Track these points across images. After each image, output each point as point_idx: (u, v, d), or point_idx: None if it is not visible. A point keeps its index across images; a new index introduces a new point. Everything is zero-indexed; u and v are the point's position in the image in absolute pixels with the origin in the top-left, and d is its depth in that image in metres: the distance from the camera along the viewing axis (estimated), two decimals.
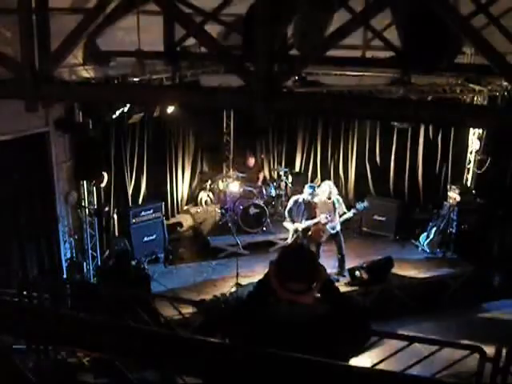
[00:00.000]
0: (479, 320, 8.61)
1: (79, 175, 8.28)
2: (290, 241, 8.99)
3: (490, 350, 4.21)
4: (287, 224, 9.05)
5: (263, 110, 2.92)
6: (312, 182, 11.69)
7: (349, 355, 2.68)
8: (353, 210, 9.01)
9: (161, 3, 3.30)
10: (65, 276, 8.19)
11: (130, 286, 7.58)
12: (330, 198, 8.86)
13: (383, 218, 10.71)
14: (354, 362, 2.71)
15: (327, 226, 8.83)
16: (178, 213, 11.33)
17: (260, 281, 2.79)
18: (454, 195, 10.21)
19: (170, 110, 9.02)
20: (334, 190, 8.98)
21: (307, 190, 8.86)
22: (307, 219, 8.82)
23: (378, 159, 11.57)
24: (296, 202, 8.93)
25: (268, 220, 10.35)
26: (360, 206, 9.00)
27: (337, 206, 8.91)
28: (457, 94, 9.68)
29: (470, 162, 10.22)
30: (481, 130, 9.82)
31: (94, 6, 3.22)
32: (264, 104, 2.89)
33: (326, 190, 8.84)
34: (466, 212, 9.99)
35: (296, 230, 8.88)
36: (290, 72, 3.35)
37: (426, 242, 10.21)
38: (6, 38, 5.23)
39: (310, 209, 8.82)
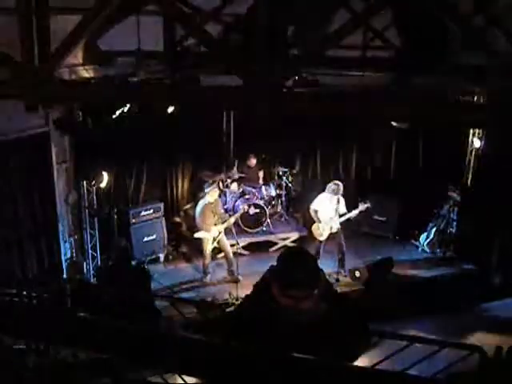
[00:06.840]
0: (479, 320, 8.59)
1: (79, 175, 8.28)
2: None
3: (490, 350, 4.20)
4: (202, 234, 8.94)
5: (263, 110, 2.92)
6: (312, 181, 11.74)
7: (350, 359, 2.64)
8: (355, 211, 9.02)
9: (161, 3, 3.31)
10: (65, 276, 8.19)
11: (130, 286, 7.57)
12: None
13: (383, 218, 10.71)
14: (354, 361, 2.70)
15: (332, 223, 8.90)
16: (178, 213, 11.31)
17: (256, 285, 2.70)
18: (454, 195, 10.19)
19: (170, 109, 9.01)
20: (340, 191, 9.07)
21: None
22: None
23: (377, 159, 11.54)
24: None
25: (268, 220, 10.34)
26: (362, 206, 9.02)
27: (337, 206, 8.93)
28: (457, 95, 9.65)
29: (470, 161, 10.20)
30: (481, 130, 9.79)
31: (93, 6, 3.23)
32: (264, 104, 2.89)
33: (332, 189, 8.93)
34: (466, 212, 9.98)
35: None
36: (290, 72, 3.35)
37: (425, 242, 10.21)
38: (6, 38, 5.22)
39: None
